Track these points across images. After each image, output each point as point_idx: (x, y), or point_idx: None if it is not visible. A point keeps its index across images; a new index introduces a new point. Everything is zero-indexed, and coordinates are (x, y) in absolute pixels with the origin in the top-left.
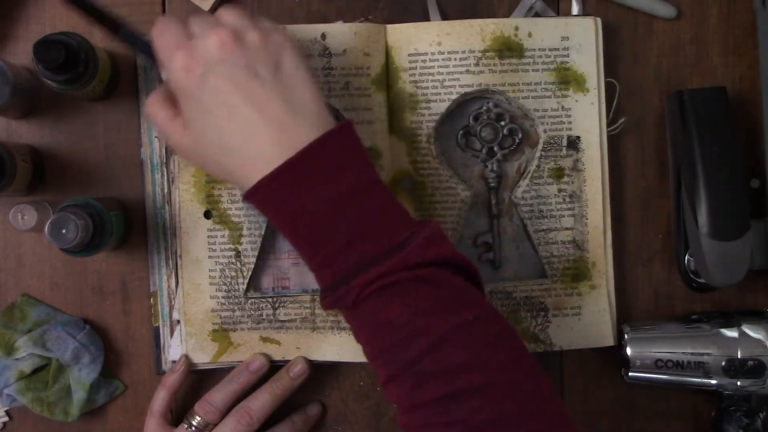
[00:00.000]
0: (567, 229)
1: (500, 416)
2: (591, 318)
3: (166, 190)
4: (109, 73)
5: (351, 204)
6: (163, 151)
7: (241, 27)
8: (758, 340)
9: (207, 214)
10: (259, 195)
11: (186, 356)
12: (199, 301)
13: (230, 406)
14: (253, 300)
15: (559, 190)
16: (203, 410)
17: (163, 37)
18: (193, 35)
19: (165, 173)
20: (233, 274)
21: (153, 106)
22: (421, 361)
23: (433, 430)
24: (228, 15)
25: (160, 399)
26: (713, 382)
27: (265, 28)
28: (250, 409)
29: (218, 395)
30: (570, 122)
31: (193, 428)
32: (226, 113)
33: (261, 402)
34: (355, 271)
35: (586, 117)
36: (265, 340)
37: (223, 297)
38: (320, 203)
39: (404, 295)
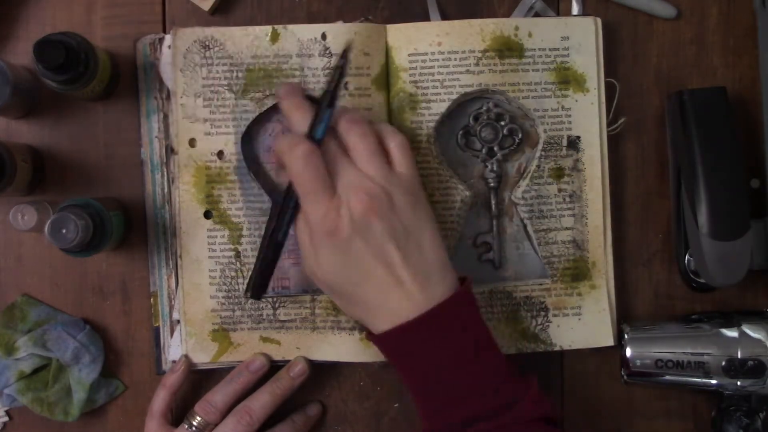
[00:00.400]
0: (567, 229)
1: None
2: (591, 318)
3: (166, 190)
4: (109, 73)
5: (469, 361)
6: (163, 151)
7: (383, 181)
8: (758, 340)
9: (207, 214)
10: (386, 343)
11: (186, 356)
12: (199, 301)
13: (231, 407)
14: (253, 300)
15: (559, 190)
16: (203, 410)
17: (306, 176)
18: (336, 183)
19: (165, 173)
20: (233, 274)
21: (301, 228)
22: None
23: None
24: (365, 161)
25: (160, 399)
26: (713, 382)
27: (404, 180)
28: (250, 409)
29: (218, 395)
30: (570, 122)
31: (194, 428)
32: (363, 274)
33: (261, 402)
34: (466, 422)
35: (586, 117)
36: (265, 340)
37: (223, 297)
38: (441, 358)
39: None
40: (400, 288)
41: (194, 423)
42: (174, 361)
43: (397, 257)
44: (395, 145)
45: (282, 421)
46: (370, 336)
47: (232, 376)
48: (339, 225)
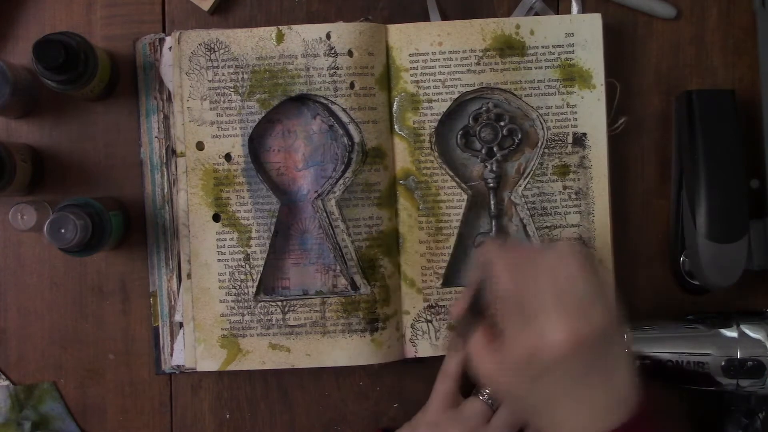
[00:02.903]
0: (573, 226)
1: None
2: None
3: (165, 191)
4: (109, 73)
5: None
6: (163, 151)
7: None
8: (758, 341)
9: (216, 217)
10: None
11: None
12: (209, 306)
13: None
14: (262, 304)
15: (564, 187)
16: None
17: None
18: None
19: (165, 173)
20: (243, 277)
21: (479, 354)
22: None
23: None
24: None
25: (454, 362)
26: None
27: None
28: None
29: None
30: (575, 119)
31: (486, 397)
32: (549, 401)
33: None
34: None
35: (593, 113)
36: (274, 347)
37: (232, 301)
38: None
39: None
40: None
41: (486, 392)
42: (178, 365)
43: (587, 394)
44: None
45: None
46: None
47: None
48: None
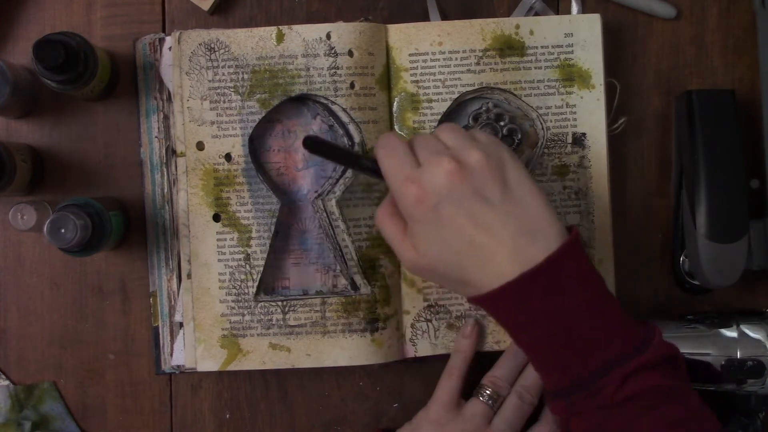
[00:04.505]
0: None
1: None
2: None
3: (165, 191)
4: (109, 73)
5: (591, 309)
6: (163, 151)
7: (462, 148)
8: (758, 341)
9: (216, 218)
10: (495, 302)
11: (476, 320)
12: (209, 306)
13: (514, 381)
14: (263, 304)
15: (564, 187)
16: (492, 383)
17: (391, 160)
18: (419, 162)
19: (165, 173)
20: (243, 277)
21: (383, 221)
22: None
23: None
24: (447, 135)
25: (459, 360)
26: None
27: (484, 144)
28: (527, 387)
29: (504, 370)
30: (575, 119)
31: (486, 398)
32: (460, 241)
33: (534, 378)
34: (596, 372)
35: (593, 113)
36: (274, 347)
37: (232, 301)
38: (561, 311)
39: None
40: (502, 247)
41: (486, 393)
42: (178, 365)
43: (493, 216)
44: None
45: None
46: (475, 298)
47: (515, 351)
48: (424, 196)
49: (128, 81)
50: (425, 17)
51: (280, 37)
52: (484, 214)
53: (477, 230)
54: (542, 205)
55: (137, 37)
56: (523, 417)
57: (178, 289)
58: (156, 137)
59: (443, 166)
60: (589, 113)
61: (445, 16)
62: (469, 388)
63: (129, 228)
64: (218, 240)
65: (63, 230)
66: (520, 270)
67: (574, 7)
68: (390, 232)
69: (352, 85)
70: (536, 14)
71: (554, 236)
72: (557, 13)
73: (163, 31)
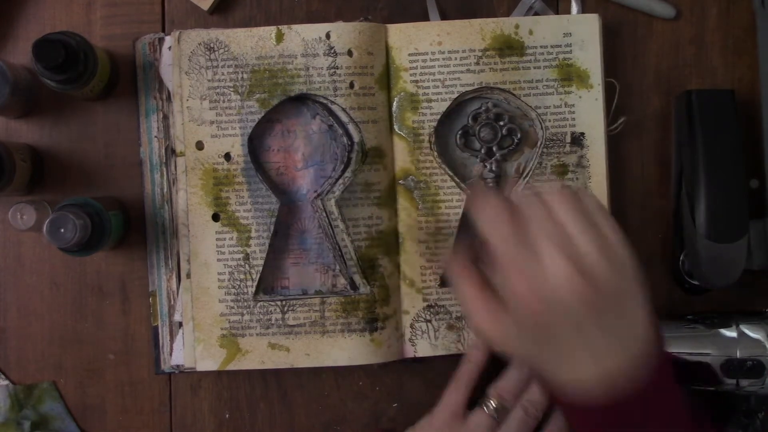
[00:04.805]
0: None
1: None
2: None
3: (165, 190)
4: (109, 73)
5: None
6: (163, 151)
7: (586, 249)
8: (757, 341)
9: (215, 217)
10: (577, 414)
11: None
12: (208, 305)
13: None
14: (262, 303)
15: (563, 187)
16: (497, 394)
17: (498, 233)
18: (531, 241)
19: (164, 173)
20: (242, 276)
21: (471, 297)
22: None
23: None
24: (566, 216)
25: (467, 371)
26: None
27: (611, 249)
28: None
29: (511, 382)
30: (573, 118)
31: (491, 410)
32: (557, 348)
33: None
34: None
35: (591, 113)
36: (273, 346)
37: (231, 300)
38: None
39: None
40: (595, 367)
41: (492, 405)
42: (177, 365)
43: (599, 336)
44: (594, 209)
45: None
46: (560, 402)
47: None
48: (535, 301)
49: (128, 81)
50: (425, 17)
51: (279, 37)
52: (589, 331)
53: (577, 343)
54: (649, 335)
55: (137, 37)
56: (527, 431)
57: (178, 288)
58: (155, 137)
59: (565, 269)
60: (587, 113)
61: (444, 16)
62: (476, 395)
63: (129, 228)
64: (217, 240)
65: (63, 230)
66: (597, 375)
67: (574, 7)
68: (480, 312)
69: (351, 85)
70: (536, 14)
71: (646, 360)
72: (557, 12)
73: (163, 30)
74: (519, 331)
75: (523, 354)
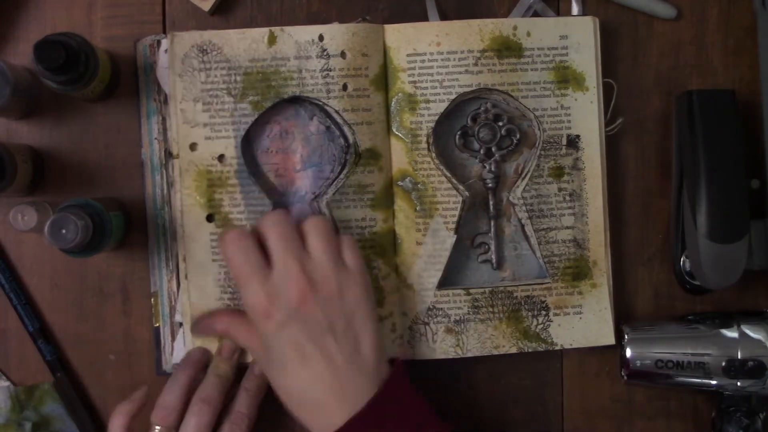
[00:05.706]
0: (567, 227)
1: None
2: (592, 317)
3: (165, 192)
4: (109, 74)
5: None
6: (163, 152)
7: (322, 270)
8: (758, 341)
9: (209, 218)
10: None
11: (146, 388)
12: (205, 306)
13: (186, 402)
14: None
15: (559, 189)
16: (161, 418)
17: (239, 256)
18: (271, 262)
19: (164, 175)
20: None
21: (229, 323)
22: None
23: None
24: (314, 239)
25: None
26: (713, 382)
27: (345, 273)
28: (238, 412)
29: (170, 396)
30: (569, 121)
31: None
32: (298, 361)
33: (245, 402)
34: None
35: (586, 115)
36: None
37: (228, 300)
38: None
39: None
40: (331, 378)
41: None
42: (177, 364)
43: (332, 346)
44: (345, 241)
45: (236, 395)
46: None
47: (176, 373)
48: (272, 310)
49: (129, 82)
50: (425, 17)
51: (272, 39)
52: (324, 342)
53: (314, 355)
54: (375, 345)
55: (138, 38)
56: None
57: (179, 289)
58: (156, 139)
59: (297, 286)
60: (583, 115)
61: (444, 17)
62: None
63: (130, 228)
64: (212, 240)
65: (64, 231)
66: (344, 406)
67: (574, 7)
68: (239, 333)
69: (344, 87)
70: (536, 14)
71: (378, 374)
72: (557, 12)
73: (164, 31)
74: (265, 351)
75: (274, 374)
